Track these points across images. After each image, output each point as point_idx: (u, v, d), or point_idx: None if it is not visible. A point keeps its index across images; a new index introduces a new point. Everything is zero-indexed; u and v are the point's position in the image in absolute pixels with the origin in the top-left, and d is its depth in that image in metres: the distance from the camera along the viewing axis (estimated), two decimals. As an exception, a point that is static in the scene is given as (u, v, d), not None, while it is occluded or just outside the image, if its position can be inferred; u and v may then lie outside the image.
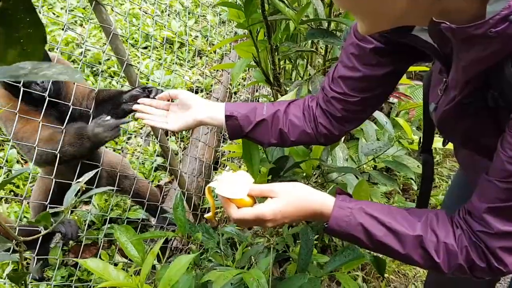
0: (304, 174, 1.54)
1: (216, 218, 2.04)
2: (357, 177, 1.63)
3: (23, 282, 0.88)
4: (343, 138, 2.11)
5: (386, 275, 1.99)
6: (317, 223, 1.82)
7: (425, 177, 0.99)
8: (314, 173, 1.85)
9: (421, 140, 0.99)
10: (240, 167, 2.28)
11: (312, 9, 1.47)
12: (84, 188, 1.69)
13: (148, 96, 1.28)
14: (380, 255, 1.22)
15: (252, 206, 0.78)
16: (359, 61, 0.86)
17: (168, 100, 1.11)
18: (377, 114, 1.57)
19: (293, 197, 0.77)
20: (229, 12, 1.58)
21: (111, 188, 1.06)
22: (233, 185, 0.78)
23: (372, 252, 1.89)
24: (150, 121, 1.09)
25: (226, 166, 2.45)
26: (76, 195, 0.83)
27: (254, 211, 0.76)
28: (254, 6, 1.33)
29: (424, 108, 0.92)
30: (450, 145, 1.57)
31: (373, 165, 2.21)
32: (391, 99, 2.43)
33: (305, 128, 0.99)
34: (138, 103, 1.12)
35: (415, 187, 2.36)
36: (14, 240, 0.80)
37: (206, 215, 0.87)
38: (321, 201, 0.78)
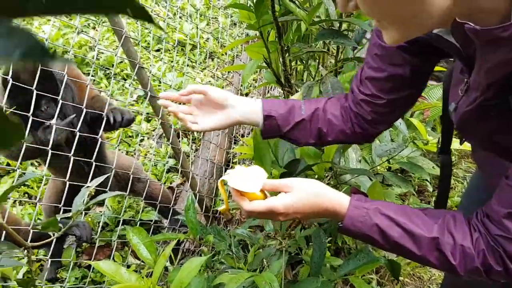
0: (316, 176, 1.52)
1: (231, 212, 2.03)
2: (370, 179, 1.61)
3: (32, 286, 0.89)
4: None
5: (401, 278, 1.95)
6: (330, 225, 1.81)
7: (444, 178, 0.97)
8: (326, 175, 1.83)
9: (440, 141, 0.97)
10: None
11: (323, 10, 1.46)
12: (93, 192, 1.71)
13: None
14: (395, 258, 1.20)
15: (264, 199, 0.78)
16: (384, 62, 0.85)
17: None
18: (391, 114, 1.55)
19: (307, 193, 0.77)
20: (240, 14, 1.57)
21: (123, 193, 1.06)
22: (246, 179, 0.78)
23: (386, 256, 1.87)
24: (182, 119, 0.97)
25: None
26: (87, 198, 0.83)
27: (266, 203, 0.76)
28: (265, 7, 1.32)
29: (443, 107, 0.90)
30: (465, 146, 1.54)
31: (387, 167, 2.18)
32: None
33: (343, 127, 0.97)
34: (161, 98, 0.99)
35: (431, 189, 2.32)
36: (23, 246, 0.80)
37: (220, 208, 0.87)
38: (336, 199, 0.77)
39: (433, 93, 2.36)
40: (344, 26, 1.49)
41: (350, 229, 0.75)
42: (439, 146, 0.98)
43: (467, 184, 1.27)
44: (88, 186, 0.89)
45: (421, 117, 2.38)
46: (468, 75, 0.69)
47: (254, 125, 1.00)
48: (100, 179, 0.94)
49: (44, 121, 1.27)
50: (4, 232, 1.23)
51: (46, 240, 0.87)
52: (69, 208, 0.95)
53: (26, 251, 0.85)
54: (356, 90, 0.94)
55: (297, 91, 1.51)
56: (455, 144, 1.53)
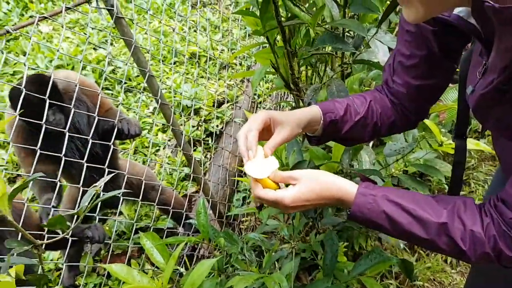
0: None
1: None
2: (383, 181, 1.59)
3: (45, 284, 0.91)
4: (371, 143, 2.07)
5: (420, 282, 1.91)
6: (347, 230, 1.79)
7: (457, 162, 0.97)
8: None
9: (455, 125, 0.97)
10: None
11: (329, 13, 1.47)
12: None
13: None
14: (407, 258, 1.18)
15: (275, 189, 0.80)
16: (414, 47, 0.88)
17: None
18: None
19: (314, 183, 0.77)
20: (247, 21, 1.60)
21: (138, 196, 1.09)
22: (261, 166, 0.81)
23: (398, 256, 1.82)
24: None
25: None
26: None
27: (275, 194, 0.78)
28: (270, 13, 1.34)
29: (459, 91, 0.91)
30: (486, 148, 1.51)
31: (403, 170, 2.15)
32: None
33: (395, 119, 0.98)
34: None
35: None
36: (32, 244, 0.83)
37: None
38: (344, 187, 0.77)
39: (449, 95, 2.33)
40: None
41: (357, 215, 0.76)
42: (454, 130, 0.97)
43: (492, 180, 1.24)
44: (95, 186, 0.92)
45: (437, 120, 2.34)
46: (487, 58, 0.69)
47: (310, 133, 0.97)
48: (107, 177, 0.97)
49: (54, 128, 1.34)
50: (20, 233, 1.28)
51: (56, 238, 0.89)
52: (88, 214, 0.98)
53: (36, 249, 0.88)
54: (390, 80, 0.96)
55: (305, 94, 1.52)
56: (474, 145, 1.50)
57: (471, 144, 1.49)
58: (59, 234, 1.40)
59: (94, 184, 0.87)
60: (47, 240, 0.89)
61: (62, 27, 1.24)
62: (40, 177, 0.81)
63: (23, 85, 1.16)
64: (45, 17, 1.27)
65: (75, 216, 1.31)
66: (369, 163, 1.69)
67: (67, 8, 1.26)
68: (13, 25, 3.62)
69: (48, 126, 1.27)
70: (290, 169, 1.35)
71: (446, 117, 2.45)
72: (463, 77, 0.85)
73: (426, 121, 1.77)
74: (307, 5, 1.52)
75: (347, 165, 1.47)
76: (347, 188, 0.77)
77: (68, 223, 0.85)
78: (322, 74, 1.72)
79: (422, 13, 0.63)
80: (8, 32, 1.23)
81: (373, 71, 1.74)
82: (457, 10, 0.73)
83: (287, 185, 0.82)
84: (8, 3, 4.31)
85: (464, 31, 0.75)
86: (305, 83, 1.85)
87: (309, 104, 1.34)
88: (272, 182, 0.81)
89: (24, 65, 1.16)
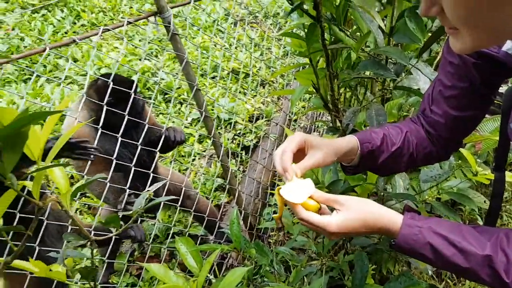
0: (360, 199, 1.54)
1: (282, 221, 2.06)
2: (416, 206, 1.60)
3: (92, 278, 0.98)
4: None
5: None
6: (376, 252, 1.79)
7: (496, 194, 0.97)
8: (371, 199, 1.83)
9: (494, 156, 0.98)
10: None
11: (373, 38, 1.52)
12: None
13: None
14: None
15: (317, 209, 0.81)
16: (456, 79, 0.89)
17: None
18: (437, 142, 1.55)
19: (359, 212, 0.77)
20: (292, 42, 1.67)
21: (176, 201, 1.15)
22: (298, 189, 0.82)
23: (427, 280, 1.80)
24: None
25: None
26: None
27: (320, 219, 0.78)
28: (316, 36, 1.40)
29: (501, 124, 0.90)
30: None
31: (436, 197, 2.14)
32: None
33: (431, 149, 0.99)
34: None
35: (481, 223, 2.23)
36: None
37: (274, 215, 0.92)
38: (389, 217, 0.78)
39: (486, 126, 2.31)
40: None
41: (402, 246, 0.76)
42: (494, 163, 0.98)
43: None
44: (148, 190, 0.99)
45: (473, 150, 2.32)
46: None
47: (346, 162, 0.98)
48: (158, 184, 1.05)
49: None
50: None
51: (108, 236, 0.96)
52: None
53: (89, 243, 0.95)
54: (427, 109, 0.97)
55: (343, 115, 1.56)
56: (509, 177, 1.49)
57: (507, 176, 1.48)
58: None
59: (148, 189, 0.94)
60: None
61: (123, 39, 1.35)
62: (102, 178, 0.89)
63: (110, 80, 1.30)
64: (108, 29, 1.39)
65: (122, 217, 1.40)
66: (403, 187, 1.70)
67: (129, 23, 1.37)
68: (65, 32, 3.82)
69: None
70: (325, 187, 1.39)
71: (482, 148, 2.42)
72: (506, 111, 0.86)
73: (462, 150, 1.77)
74: (351, 29, 1.57)
75: (381, 188, 1.49)
76: (394, 218, 0.77)
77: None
78: (362, 97, 1.76)
79: (470, 45, 0.62)
80: (74, 41, 1.34)
81: (413, 97, 1.76)
82: (506, 47, 0.74)
83: (332, 209, 0.82)
84: (62, 11, 4.59)
85: (509, 68, 0.76)
86: (344, 105, 1.90)
87: (347, 126, 1.38)
88: (314, 203, 0.81)
89: (86, 73, 1.27)
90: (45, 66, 3.61)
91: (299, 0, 1.29)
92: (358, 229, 0.78)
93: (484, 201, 1.83)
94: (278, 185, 0.89)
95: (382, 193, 1.51)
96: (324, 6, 1.34)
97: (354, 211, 0.78)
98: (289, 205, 0.83)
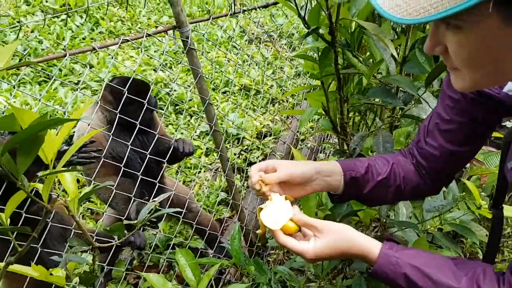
0: (362, 224, 1.54)
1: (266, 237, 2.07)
2: (418, 236, 1.59)
3: (92, 284, 0.99)
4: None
5: None
6: (374, 279, 1.77)
7: (494, 231, 0.97)
8: (374, 225, 1.83)
9: (493, 194, 0.98)
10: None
11: (385, 66, 1.54)
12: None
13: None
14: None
15: (296, 231, 0.83)
16: (455, 113, 0.89)
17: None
18: (443, 172, 1.56)
19: (338, 239, 0.79)
20: (305, 64, 1.70)
21: (179, 213, 1.17)
22: (277, 213, 0.84)
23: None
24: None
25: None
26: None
27: (296, 246, 0.80)
28: (329, 60, 1.43)
29: (501, 161, 0.91)
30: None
31: (438, 227, 2.13)
32: (463, 163, 2.35)
33: (419, 183, 0.99)
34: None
35: (481, 256, 2.21)
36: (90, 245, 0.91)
37: (258, 231, 0.93)
38: (366, 245, 0.79)
39: (492, 159, 2.31)
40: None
41: (379, 273, 0.78)
42: (492, 200, 0.98)
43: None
44: (154, 201, 1.01)
45: (478, 182, 2.32)
46: None
47: (331, 190, 0.98)
48: (164, 196, 1.06)
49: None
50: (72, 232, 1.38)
51: (110, 244, 0.98)
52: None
53: (92, 250, 0.96)
54: (422, 141, 0.97)
55: (351, 139, 1.58)
56: (510, 212, 1.49)
57: (509, 211, 1.48)
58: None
59: (154, 199, 0.96)
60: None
61: (141, 51, 1.38)
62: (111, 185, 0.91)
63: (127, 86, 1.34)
64: (127, 40, 1.42)
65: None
66: (406, 215, 1.70)
67: (148, 35, 1.40)
68: (83, 38, 3.90)
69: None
70: (328, 209, 1.39)
71: (487, 181, 2.41)
72: (504, 150, 0.86)
73: (467, 182, 1.76)
74: (364, 56, 1.60)
75: (384, 214, 1.49)
76: (371, 246, 0.79)
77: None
78: (371, 123, 1.78)
79: (470, 84, 0.64)
80: (94, 49, 1.38)
81: (421, 126, 1.77)
82: (507, 88, 0.75)
83: None
84: (81, 17, 4.70)
85: (508, 106, 0.77)
86: (352, 129, 1.91)
87: (354, 150, 1.39)
88: (293, 225, 0.82)
89: (103, 80, 1.30)
90: (60, 70, 3.67)
91: (316, 25, 1.32)
92: (334, 256, 0.80)
93: (486, 235, 1.81)
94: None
95: (384, 220, 1.51)
96: (339, 31, 1.37)
97: (331, 238, 0.79)
98: (268, 229, 0.85)
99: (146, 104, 1.44)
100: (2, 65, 0.63)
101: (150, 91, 1.54)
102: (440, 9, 0.51)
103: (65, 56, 1.21)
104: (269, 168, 0.93)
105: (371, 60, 1.58)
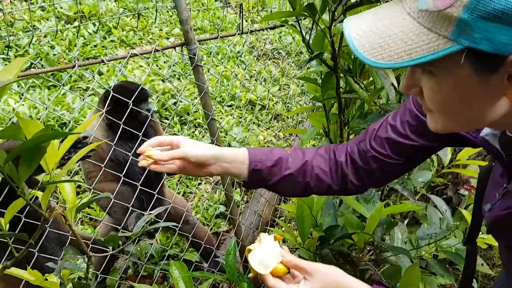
0: (356, 247, 1.55)
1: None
2: (412, 262, 1.59)
3: (84, 292, 1.00)
4: (406, 221, 2.08)
5: None
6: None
7: (467, 266, 0.98)
8: (368, 248, 1.84)
9: (467, 230, 0.99)
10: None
11: (385, 93, 1.57)
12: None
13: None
14: None
15: (286, 273, 0.82)
16: (413, 132, 0.87)
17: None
18: (437, 201, 1.57)
19: (326, 282, 0.79)
20: (308, 86, 1.74)
21: (175, 226, 1.18)
22: (266, 255, 0.83)
23: None
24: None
25: (282, 227, 2.50)
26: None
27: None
28: (331, 84, 1.46)
29: (475, 202, 0.91)
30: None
31: (433, 254, 2.12)
32: (462, 191, 2.36)
33: (331, 183, 0.98)
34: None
35: (476, 285, 2.20)
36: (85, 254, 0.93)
37: (249, 275, 0.91)
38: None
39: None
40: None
41: None
42: (466, 235, 0.99)
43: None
44: (150, 213, 1.03)
45: (477, 211, 2.32)
46: (508, 181, 0.71)
47: (232, 176, 0.99)
48: (160, 209, 1.09)
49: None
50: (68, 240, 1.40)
51: (106, 254, 1.00)
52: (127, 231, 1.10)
53: (87, 258, 0.98)
54: (367, 143, 0.94)
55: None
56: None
57: (479, 243, 1.48)
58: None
59: (150, 212, 0.98)
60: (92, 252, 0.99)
61: (149, 64, 1.42)
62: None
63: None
64: (136, 54, 1.47)
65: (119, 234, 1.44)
66: (401, 240, 1.70)
67: (156, 50, 1.45)
68: (95, 46, 3.96)
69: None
70: (322, 231, 1.41)
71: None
72: (480, 191, 0.86)
73: (463, 211, 1.77)
74: (366, 81, 1.63)
75: (378, 238, 1.50)
76: None
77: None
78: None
79: (441, 127, 0.65)
80: (102, 61, 1.42)
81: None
82: (484, 133, 0.74)
83: None
84: (94, 24, 4.78)
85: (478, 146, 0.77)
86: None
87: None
88: (282, 268, 0.82)
89: (110, 88, 1.34)
90: (70, 76, 3.74)
91: (319, 50, 1.35)
92: None
93: (482, 264, 1.81)
94: (259, 239, 0.90)
95: (378, 243, 1.52)
96: (342, 57, 1.40)
97: (319, 281, 0.78)
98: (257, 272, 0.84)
99: (131, 104, 1.44)
100: (12, 77, 0.66)
101: (147, 97, 1.56)
102: (413, 56, 0.53)
103: (74, 66, 1.25)
104: (173, 144, 0.94)
105: (372, 86, 1.61)
